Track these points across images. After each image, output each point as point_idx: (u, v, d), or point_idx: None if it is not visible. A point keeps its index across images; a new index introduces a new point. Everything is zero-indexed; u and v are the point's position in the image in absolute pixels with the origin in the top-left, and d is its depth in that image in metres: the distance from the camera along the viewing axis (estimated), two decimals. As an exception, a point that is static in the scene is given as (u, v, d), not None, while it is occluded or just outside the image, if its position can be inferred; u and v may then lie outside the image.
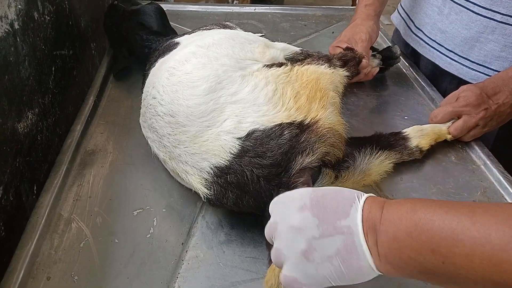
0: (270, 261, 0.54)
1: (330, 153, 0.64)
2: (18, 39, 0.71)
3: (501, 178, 0.77)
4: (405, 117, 0.93)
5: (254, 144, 0.62)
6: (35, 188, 0.74)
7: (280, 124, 0.63)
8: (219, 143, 0.63)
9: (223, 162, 0.62)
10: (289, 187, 0.60)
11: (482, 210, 0.39)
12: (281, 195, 0.52)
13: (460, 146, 0.84)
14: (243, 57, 0.74)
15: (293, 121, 0.64)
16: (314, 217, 0.46)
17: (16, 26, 0.70)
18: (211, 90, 0.67)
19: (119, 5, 1.06)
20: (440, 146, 0.83)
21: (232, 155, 0.62)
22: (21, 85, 0.72)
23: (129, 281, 0.59)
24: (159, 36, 0.96)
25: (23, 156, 0.71)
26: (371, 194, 0.48)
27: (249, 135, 0.63)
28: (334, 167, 0.67)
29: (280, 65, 0.73)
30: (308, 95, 0.67)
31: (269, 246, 0.54)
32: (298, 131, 0.63)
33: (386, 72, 1.07)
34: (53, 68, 0.85)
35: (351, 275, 0.45)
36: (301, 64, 0.74)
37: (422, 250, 0.40)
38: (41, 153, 0.78)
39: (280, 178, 0.61)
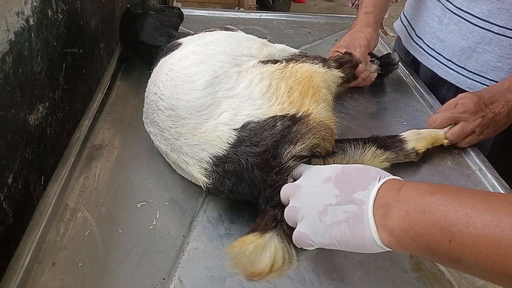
0: (251, 231, 0.58)
1: (320, 145, 0.67)
2: (32, 35, 0.74)
3: (496, 183, 0.79)
4: (404, 123, 0.95)
5: (249, 135, 0.65)
6: (42, 179, 0.77)
7: (273, 117, 0.67)
8: (216, 134, 0.67)
9: (221, 151, 0.66)
10: (280, 173, 0.63)
11: (496, 198, 0.41)
12: (313, 167, 0.60)
13: (456, 151, 0.87)
14: (240, 53, 0.78)
15: (286, 114, 0.67)
16: (335, 188, 0.52)
17: (31, 22, 0.73)
18: (208, 84, 0.70)
19: (130, 8, 1.08)
20: (437, 151, 0.85)
21: (229, 145, 0.65)
22: (33, 79, 0.75)
23: (132, 270, 0.61)
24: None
25: (32, 147, 0.74)
26: (397, 178, 0.51)
27: (244, 126, 0.66)
28: (323, 158, 0.70)
29: (275, 62, 0.76)
30: (301, 90, 0.70)
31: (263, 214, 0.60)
32: (290, 123, 0.66)
33: (386, 80, 1.09)
34: (63, 65, 0.88)
35: (354, 242, 0.49)
36: (296, 62, 0.77)
37: (432, 228, 0.42)
38: (49, 145, 0.81)
39: (271, 164, 0.64)
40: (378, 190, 0.49)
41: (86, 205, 0.70)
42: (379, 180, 0.50)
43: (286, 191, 0.59)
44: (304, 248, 0.56)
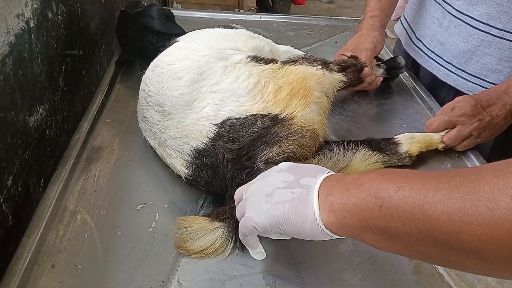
0: (206, 215, 0.66)
1: (297, 154, 0.67)
2: (32, 37, 0.74)
3: (495, 187, 0.79)
4: (404, 125, 0.95)
5: (228, 130, 0.66)
6: (42, 181, 0.77)
7: (254, 115, 0.67)
8: (198, 128, 0.68)
9: (201, 145, 0.67)
10: (251, 174, 0.64)
11: (431, 172, 0.44)
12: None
13: (456, 154, 0.86)
14: (225, 46, 0.77)
15: (268, 113, 0.68)
16: (286, 174, 0.55)
17: (32, 24, 0.73)
18: (193, 81, 0.70)
19: (126, 10, 1.08)
20: (436, 154, 0.85)
21: (208, 139, 0.67)
22: (33, 81, 0.75)
23: (131, 272, 0.61)
24: (165, 35, 0.98)
25: (32, 149, 0.74)
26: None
27: (224, 121, 0.67)
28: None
29: (268, 62, 0.75)
30: (290, 91, 0.70)
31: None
32: (271, 123, 0.67)
33: (386, 82, 1.09)
34: (63, 67, 0.88)
35: (297, 221, 0.51)
36: (293, 63, 0.76)
37: (366, 197, 0.45)
38: (49, 147, 0.81)
39: (243, 163, 0.65)
40: (325, 177, 0.52)
41: (85, 207, 0.70)
42: (328, 172, 0.53)
43: (239, 191, 0.61)
44: (248, 234, 0.56)
